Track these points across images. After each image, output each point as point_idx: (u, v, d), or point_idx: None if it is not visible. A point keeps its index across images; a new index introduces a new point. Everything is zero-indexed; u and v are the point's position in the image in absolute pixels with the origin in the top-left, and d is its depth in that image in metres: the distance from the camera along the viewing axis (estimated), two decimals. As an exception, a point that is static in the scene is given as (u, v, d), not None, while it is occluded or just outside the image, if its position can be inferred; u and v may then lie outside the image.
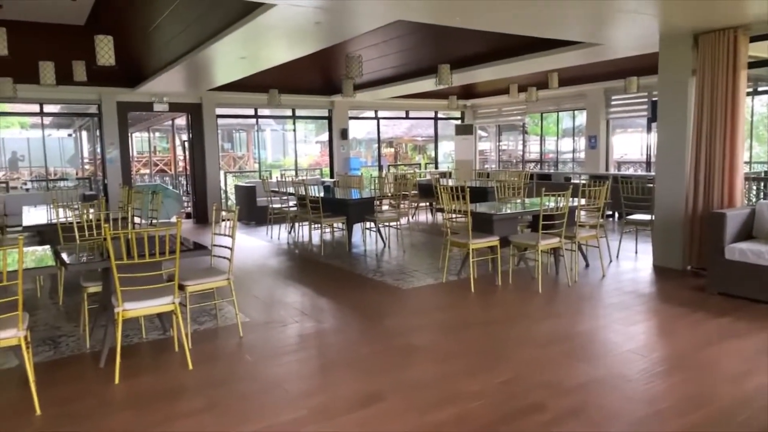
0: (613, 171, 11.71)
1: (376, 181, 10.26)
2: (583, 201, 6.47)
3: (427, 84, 10.69)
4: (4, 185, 12.01)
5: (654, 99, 10.79)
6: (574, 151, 13.53)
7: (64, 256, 4.02)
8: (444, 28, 6.06)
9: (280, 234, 9.79)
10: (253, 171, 16.03)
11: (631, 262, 6.96)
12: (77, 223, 5.08)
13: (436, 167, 15.22)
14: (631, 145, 13.55)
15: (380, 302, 5.52)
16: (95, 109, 10.92)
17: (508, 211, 6.24)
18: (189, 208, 12.59)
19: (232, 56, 7.46)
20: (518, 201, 7.29)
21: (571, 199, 5.90)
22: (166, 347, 4.34)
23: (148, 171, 18.07)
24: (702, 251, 6.11)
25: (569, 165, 13.49)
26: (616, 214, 10.68)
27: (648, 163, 11.49)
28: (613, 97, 11.59)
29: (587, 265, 6.68)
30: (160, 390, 3.57)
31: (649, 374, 3.62)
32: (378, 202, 8.34)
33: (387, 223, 8.25)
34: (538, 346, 4.18)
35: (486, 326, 4.75)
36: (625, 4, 5.26)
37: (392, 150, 20.95)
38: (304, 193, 8.15)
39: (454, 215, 6.22)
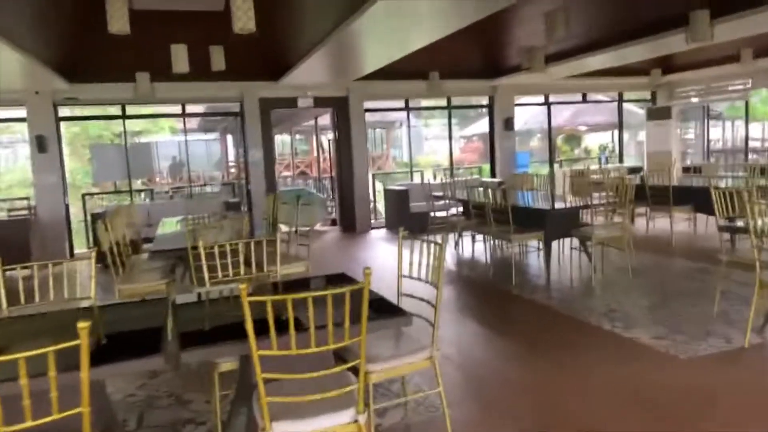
0: None
1: (558, 182, 8.05)
2: None
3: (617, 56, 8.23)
4: (149, 192, 11.64)
5: None
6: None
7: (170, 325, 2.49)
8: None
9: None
10: (399, 171, 14.45)
11: None
12: (219, 249, 3.48)
13: (620, 161, 12.47)
14: None
15: (652, 382, 3.41)
16: (237, 108, 9.96)
17: None
18: (333, 215, 11.31)
19: (384, 28, 5.76)
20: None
21: None
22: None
23: (289, 174, 17.41)
24: None
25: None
26: None
27: None
28: None
29: None
30: None
31: None
32: (587, 212, 6.16)
33: (606, 244, 5.95)
34: None
35: None
36: None
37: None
38: (480, 200, 6.25)
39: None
